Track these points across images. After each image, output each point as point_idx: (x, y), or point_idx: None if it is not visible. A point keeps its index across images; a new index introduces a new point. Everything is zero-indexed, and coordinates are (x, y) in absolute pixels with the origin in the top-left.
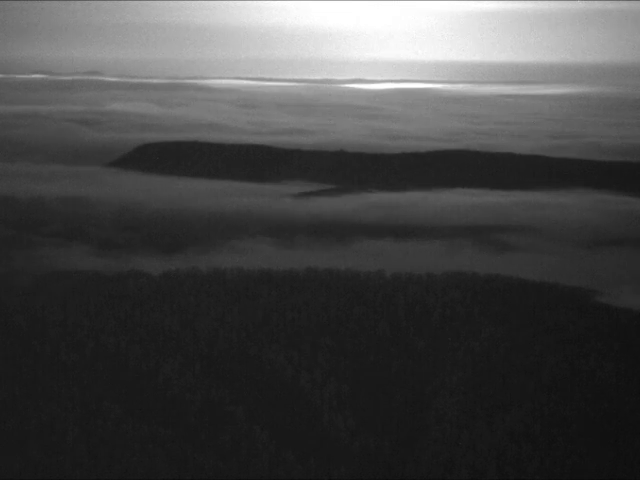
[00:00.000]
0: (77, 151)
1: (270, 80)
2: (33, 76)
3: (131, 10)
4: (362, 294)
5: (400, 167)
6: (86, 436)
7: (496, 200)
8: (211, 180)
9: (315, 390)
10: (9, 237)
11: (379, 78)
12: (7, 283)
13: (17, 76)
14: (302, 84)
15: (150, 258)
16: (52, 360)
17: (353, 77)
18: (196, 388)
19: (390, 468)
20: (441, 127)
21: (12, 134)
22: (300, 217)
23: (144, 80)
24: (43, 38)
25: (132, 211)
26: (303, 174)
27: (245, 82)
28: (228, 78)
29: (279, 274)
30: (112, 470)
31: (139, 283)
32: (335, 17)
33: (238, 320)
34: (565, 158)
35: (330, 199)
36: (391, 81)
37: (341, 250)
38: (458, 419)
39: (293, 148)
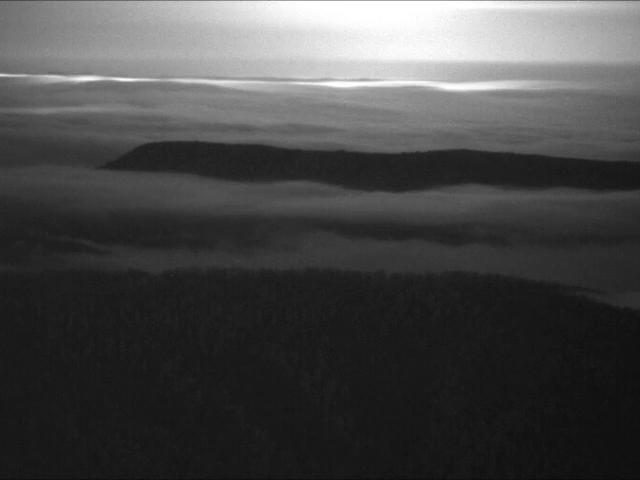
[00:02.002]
0: (74, 152)
1: (241, 79)
2: (13, 76)
3: (108, 10)
4: (362, 294)
5: (401, 167)
6: (86, 436)
7: (496, 199)
8: (211, 180)
9: (315, 390)
10: (10, 237)
11: (348, 77)
12: (6, 283)
13: None
14: (273, 82)
15: (152, 257)
16: (52, 360)
17: (321, 76)
18: (196, 388)
19: (390, 468)
20: (426, 126)
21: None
22: (300, 217)
23: (119, 79)
24: (23, 38)
25: (134, 210)
26: (303, 174)
27: (217, 82)
28: (199, 77)
29: (279, 274)
30: (112, 470)
31: (139, 283)
32: (309, 17)
33: (238, 320)
34: (565, 158)
35: (330, 199)
36: (364, 80)
37: (341, 250)
38: (458, 419)
39: (293, 148)
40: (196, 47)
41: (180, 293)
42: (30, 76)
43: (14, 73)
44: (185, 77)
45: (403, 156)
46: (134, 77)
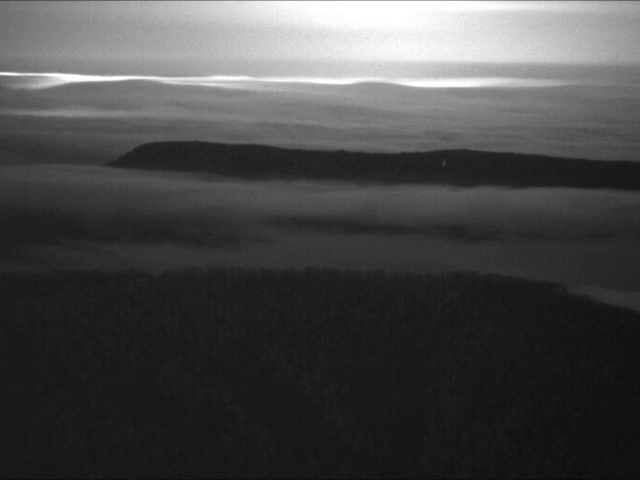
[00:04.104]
0: (74, 152)
1: (208, 75)
2: None
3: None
4: (362, 294)
5: (400, 167)
6: (86, 436)
7: (495, 198)
8: (210, 178)
9: (315, 390)
10: (10, 237)
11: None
12: (6, 283)
13: None
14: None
15: (152, 255)
16: (52, 360)
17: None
18: (196, 388)
19: (390, 468)
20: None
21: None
22: (299, 215)
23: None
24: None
25: (134, 210)
26: (303, 174)
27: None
28: (180, 76)
29: (279, 274)
30: (112, 470)
31: (139, 283)
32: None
33: (238, 320)
34: (564, 158)
35: (330, 198)
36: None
37: (341, 247)
38: (458, 419)
39: (293, 148)
40: (183, 47)
41: (180, 293)
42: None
43: None
44: (172, 77)
45: (403, 156)
46: (115, 75)
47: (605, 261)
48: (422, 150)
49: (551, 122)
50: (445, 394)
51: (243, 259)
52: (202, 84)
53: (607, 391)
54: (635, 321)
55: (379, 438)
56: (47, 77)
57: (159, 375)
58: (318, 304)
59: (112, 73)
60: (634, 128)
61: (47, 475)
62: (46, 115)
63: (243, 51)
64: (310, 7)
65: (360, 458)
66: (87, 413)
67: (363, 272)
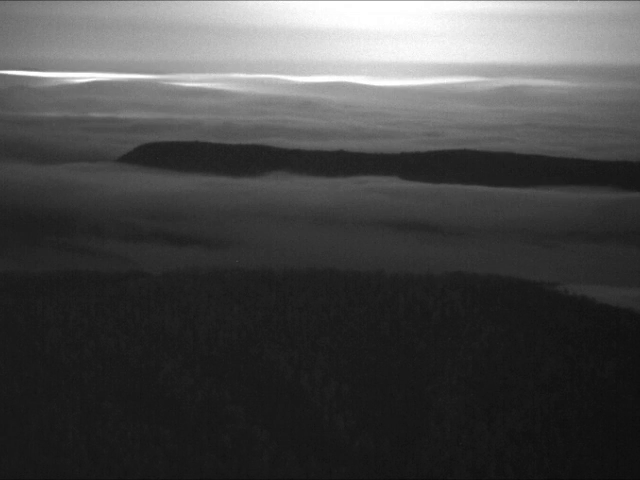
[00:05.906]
0: (75, 151)
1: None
2: None
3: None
4: (362, 294)
5: (401, 167)
6: (86, 436)
7: (494, 197)
8: (209, 178)
9: (315, 390)
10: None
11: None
12: (6, 283)
13: None
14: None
15: (152, 254)
16: (52, 360)
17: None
18: (196, 388)
19: (390, 468)
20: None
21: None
22: (299, 214)
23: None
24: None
25: (134, 209)
26: (303, 173)
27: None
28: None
29: (279, 274)
30: (112, 470)
31: (139, 283)
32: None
33: (238, 320)
34: (563, 158)
35: (329, 197)
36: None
37: (341, 246)
38: (458, 419)
39: (292, 148)
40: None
41: (180, 293)
42: None
43: None
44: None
45: (403, 156)
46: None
47: (604, 260)
48: (422, 150)
49: (546, 121)
50: (445, 394)
51: (243, 258)
52: (181, 84)
53: (607, 391)
54: (635, 321)
55: (379, 438)
56: (29, 77)
57: (159, 375)
58: (318, 304)
59: (80, 70)
60: (629, 127)
61: (47, 475)
62: (32, 116)
63: (216, 51)
64: (282, 7)
65: (360, 458)
66: (87, 413)
67: (363, 272)
